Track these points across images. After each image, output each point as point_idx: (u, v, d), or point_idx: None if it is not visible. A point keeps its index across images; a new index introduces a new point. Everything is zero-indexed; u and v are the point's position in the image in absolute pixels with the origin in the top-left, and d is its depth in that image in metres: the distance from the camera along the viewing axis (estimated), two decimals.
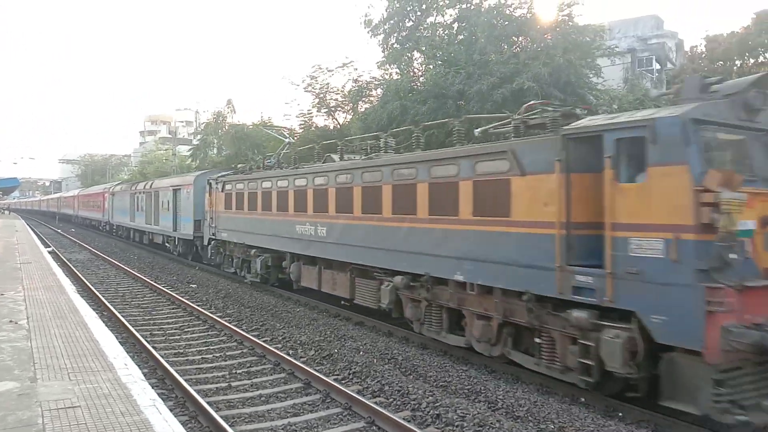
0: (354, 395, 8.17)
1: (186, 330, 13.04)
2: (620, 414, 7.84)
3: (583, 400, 8.33)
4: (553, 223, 8.09)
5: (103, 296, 16.19)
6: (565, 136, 8.07)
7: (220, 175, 21.88)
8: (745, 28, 32.11)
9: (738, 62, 32.79)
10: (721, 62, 33.18)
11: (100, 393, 6.57)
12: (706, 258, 6.62)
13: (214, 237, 21.46)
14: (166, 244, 28.90)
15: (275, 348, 10.92)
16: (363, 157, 13.48)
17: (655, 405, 7.58)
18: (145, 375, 8.31)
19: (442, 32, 24.28)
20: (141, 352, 10.75)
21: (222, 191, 20.59)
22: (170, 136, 78.96)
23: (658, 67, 39.53)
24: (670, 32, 44.27)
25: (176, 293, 17.22)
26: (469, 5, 22.75)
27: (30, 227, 48.32)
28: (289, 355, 10.53)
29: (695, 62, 36.00)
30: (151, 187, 31.79)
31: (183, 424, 6.54)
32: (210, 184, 21.96)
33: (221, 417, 7.36)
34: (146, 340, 11.30)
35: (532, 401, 8.15)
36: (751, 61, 32.29)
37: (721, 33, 34.84)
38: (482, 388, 8.74)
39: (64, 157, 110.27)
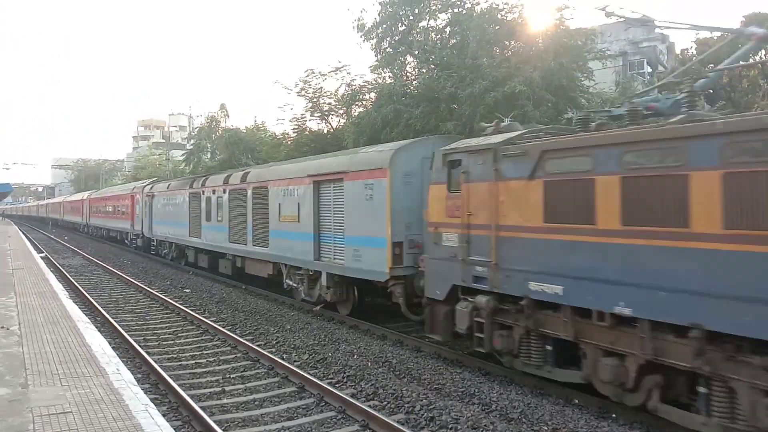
0: (348, 399, 8.17)
1: (180, 335, 12.99)
2: (613, 415, 7.87)
3: (576, 401, 8.36)
4: None
5: (96, 302, 16.11)
6: None
7: (509, 136, 9.29)
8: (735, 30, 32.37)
9: None
10: (712, 65, 33.41)
11: (92, 398, 6.55)
12: None
13: (478, 286, 9.44)
14: (288, 282, 16.13)
15: (269, 352, 10.90)
16: None
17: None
18: (138, 380, 8.30)
19: (434, 36, 24.36)
20: (134, 357, 10.70)
21: (532, 177, 8.51)
22: (164, 140, 78.88)
23: (649, 70, 39.80)
24: (661, 35, 44.62)
25: (170, 298, 17.15)
26: (461, 10, 22.85)
27: (23, 233, 48.07)
28: (282, 359, 10.51)
29: (686, 65, 36.23)
30: (244, 180, 18.95)
31: (176, 429, 6.53)
32: (452, 165, 10.09)
33: (214, 421, 7.33)
34: (139, 345, 11.25)
35: (526, 403, 8.17)
36: (741, 63, 32.54)
37: (711, 36, 35.11)
38: (476, 390, 8.75)
39: (57, 163, 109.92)
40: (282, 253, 16.21)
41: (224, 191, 20.36)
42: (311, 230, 14.64)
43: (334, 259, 13.97)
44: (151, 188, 30.45)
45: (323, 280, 14.27)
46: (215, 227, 20.98)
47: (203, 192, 22.40)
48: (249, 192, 18.47)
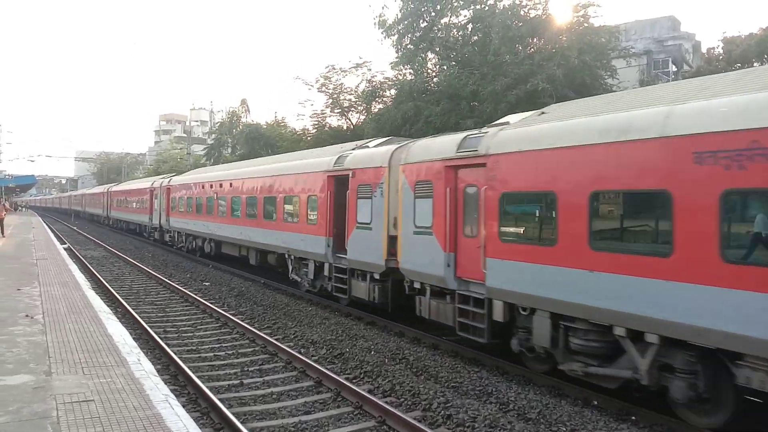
0: (365, 394, 8.17)
1: (199, 327, 13.11)
2: (633, 417, 7.76)
3: (595, 403, 8.27)
4: None
5: (118, 293, 16.33)
6: None
7: None
8: (764, 29, 31.72)
9: (756, 64, 32.36)
10: (739, 64, 32.76)
11: (113, 387, 6.64)
12: None
13: None
14: None
15: (287, 346, 10.95)
16: None
17: (670, 409, 7.50)
18: (158, 371, 8.38)
19: (456, 33, 24.23)
20: (154, 348, 10.82)
21: None
22: (185, 135, 79.66)
23: (674, 69, 39.13)
24: (687, 34, 43.85)
25: (190, 291, 17.32)
26: (483, 6, 22.69)
27: (46, 224, 48.93)
28: (300, 353, 10.55)
29: (712, 64, 35.57)
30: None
31: (195, 420, 6.58)
32: None
33: (233, 414, 7.39)
34: (159, 337, 11.38)
35: (544, 403, 8.10)
36: None
37: (739, 35, 34.43)
38: (494, 389, 8.70)
39: (80, 155, 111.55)
40: None
41: None
42: None
43: None
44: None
45: None
46: None
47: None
48: None
